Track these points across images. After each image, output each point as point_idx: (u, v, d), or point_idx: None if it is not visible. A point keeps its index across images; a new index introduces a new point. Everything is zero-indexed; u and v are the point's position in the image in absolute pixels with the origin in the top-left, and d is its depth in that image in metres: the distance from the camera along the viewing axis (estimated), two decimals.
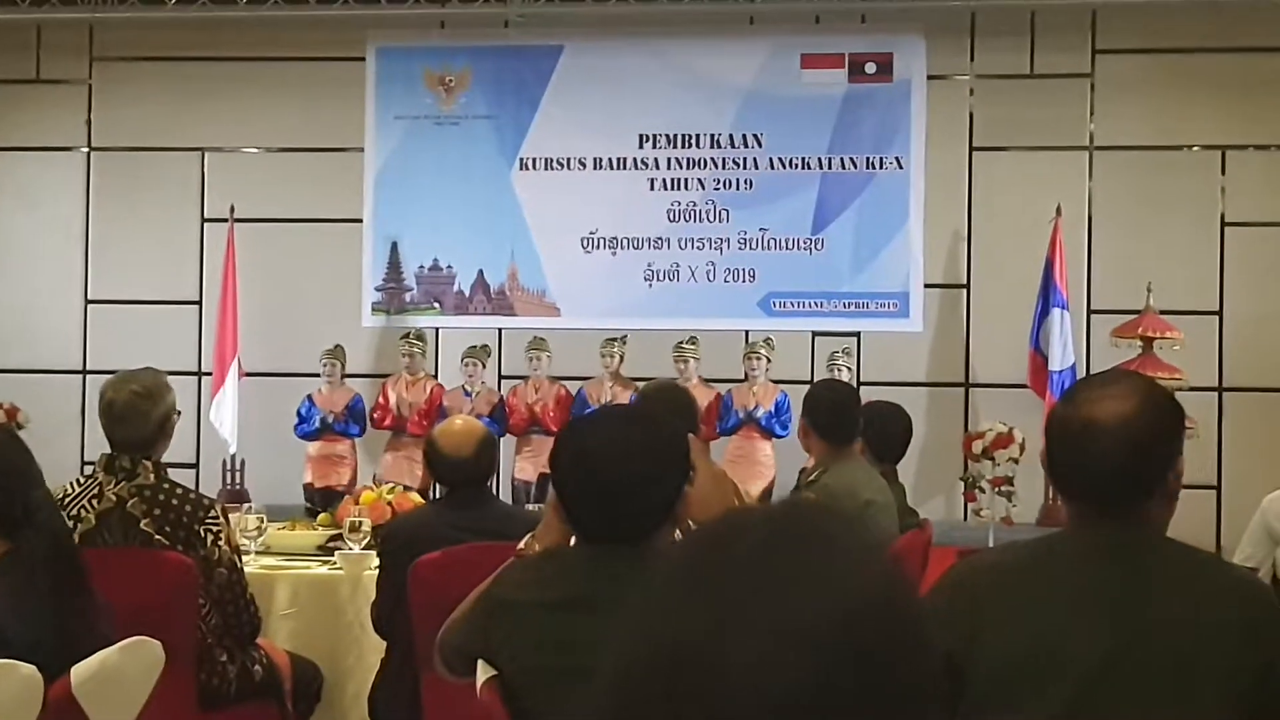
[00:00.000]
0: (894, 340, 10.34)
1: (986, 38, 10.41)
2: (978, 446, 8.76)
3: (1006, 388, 10.03)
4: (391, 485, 6.50)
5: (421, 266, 10.80)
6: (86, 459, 10.16)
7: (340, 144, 10.77)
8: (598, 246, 10.63)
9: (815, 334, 10.40)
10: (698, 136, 10.57)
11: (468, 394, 9.81)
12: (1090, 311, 10.19)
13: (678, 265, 10.57)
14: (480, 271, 10.74)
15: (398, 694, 4.47)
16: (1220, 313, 10.13)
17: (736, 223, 10.52)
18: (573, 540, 2.70)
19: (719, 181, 10.55)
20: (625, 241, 10.61)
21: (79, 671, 2.98)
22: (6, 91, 11.08)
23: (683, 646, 1.08)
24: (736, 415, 9.60)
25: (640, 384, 8.48)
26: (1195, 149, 10.24)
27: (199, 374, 10.58)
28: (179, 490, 4.25)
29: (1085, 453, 2.30)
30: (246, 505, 5.85)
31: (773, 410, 9.61)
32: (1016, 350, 9.92)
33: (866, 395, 5.62)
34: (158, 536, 4.15)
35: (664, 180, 10.59)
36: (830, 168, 10.45)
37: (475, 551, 4.02)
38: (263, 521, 5.62)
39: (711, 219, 10.55)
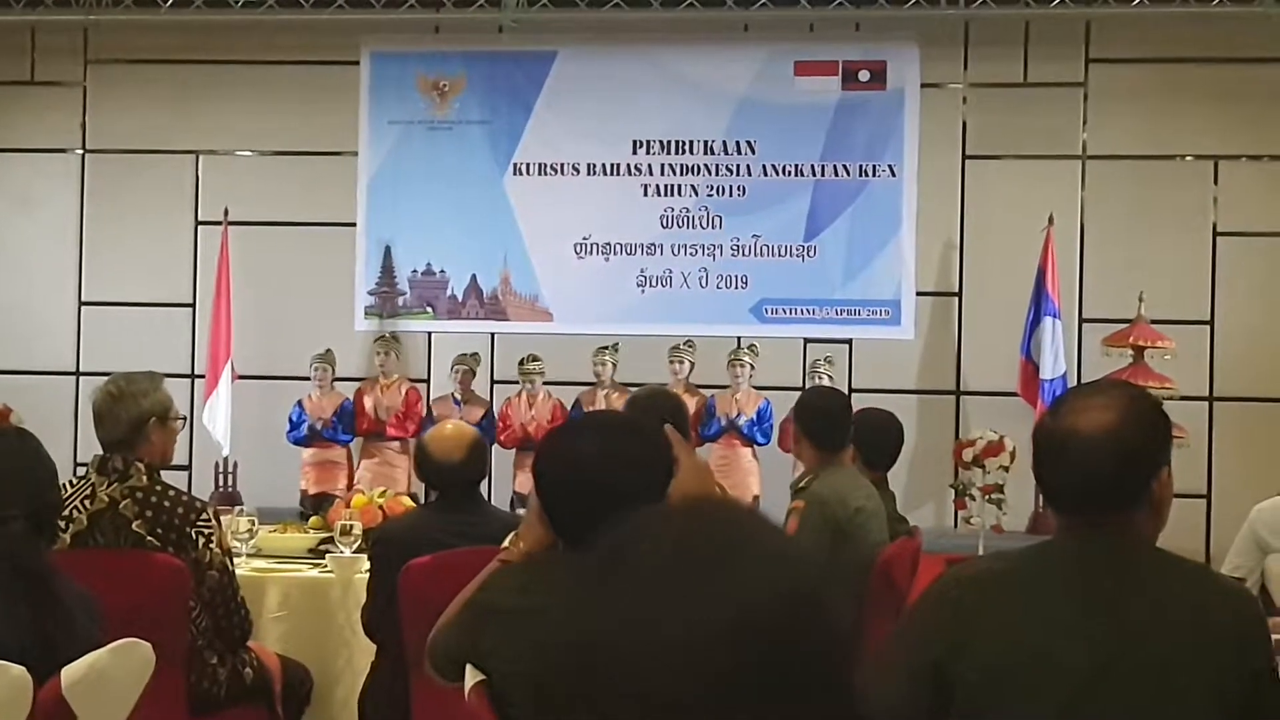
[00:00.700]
0: (885, 347, 10.36)
1: (980, 47, 10.43)
2: (968, 454, 8.77)
3: (997, 396, 10.06)
4: (383, 489, 6.51)
5: (414, 271, 10.81)
6: (79, 460, 10.14)
7: (334, 148, 10.79)
8: (591, 252, 10.64)
9: (807, 341, 10.41)
10: (691, 143, 10.58)
11: (457, 402, 9.79)
12: (1082, 320, 10.21)
13: (670, 271, 10.58)
14: (473, 276, 10.75)
15: (388, 697, 4.47)
16: (1211, 322, 10.16)
17: (729, 229, 10.54)
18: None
19: (712, 188, 10.57)
20: (618, 247, 10.62)
21: (69, 673, 2.97)
22: (1, 93, 11.09)
23: (586, 647, 1.09)
24: (719, 422, 9.58)
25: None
26: (1188, 159, 10.27)
27: (192, 376, 10.58)
28: (171, 492, 4.25)
29: (1069, 462, 2.32)
30: (238, 508, 5.87)
31: (755, 418, 9.60)
32: (1008, 358, 9.94)
33: (857, 402, 5.63)
34: (149, 538, 4.15)
35: (657, 186, 10.61)
36: (823, 175, 10.48)
37: (465, 555, 4.02)
38: (254, 524, 5.63)
39: (704, 225, 10.57)
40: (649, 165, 10.62)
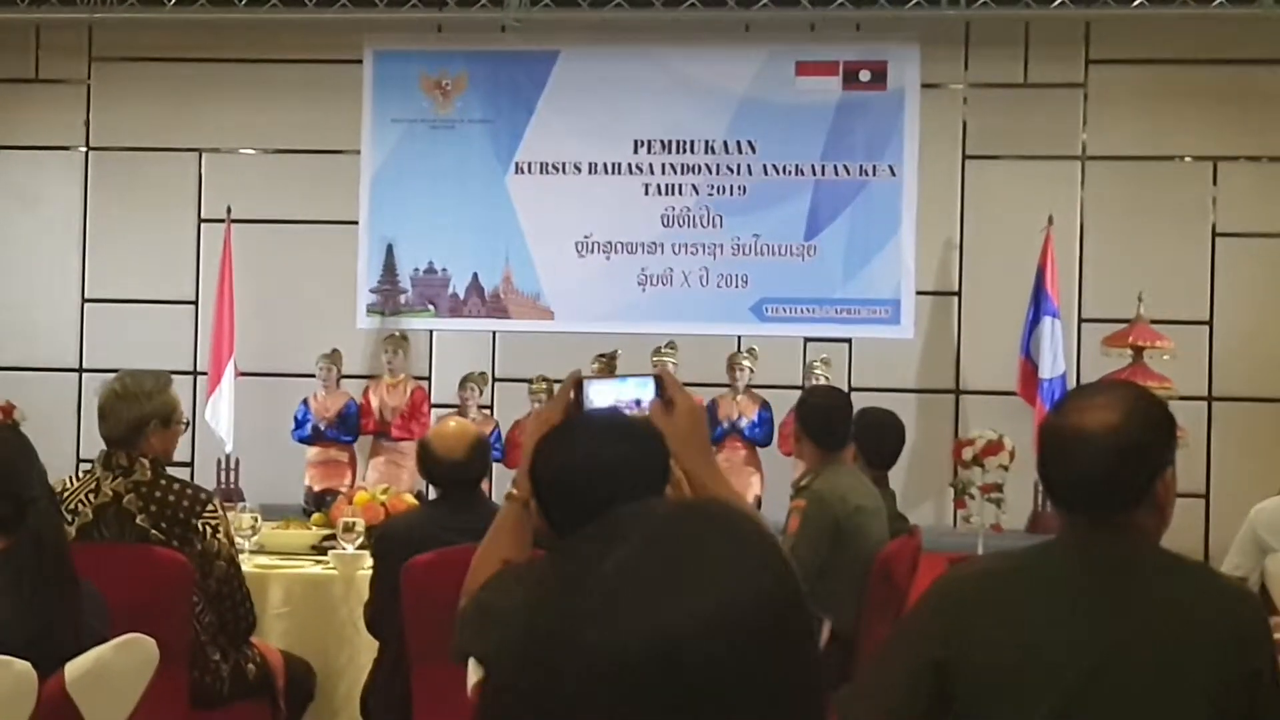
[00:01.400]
0: (885, 347, 10.38)
1: (980, 47, 10.45)
2: (968, 453, 8.77)
3: (997, 395, 10.08)
4: (385, 486, 6.53)
5: (416, 269, 10.83)
6: (82, 456, 10.18)
7: (337, 146, 10.81)
8: (592, 251, 10.66)
9: (807, 340, 10.43)
10: (692, 142, 10.60)
11: None
12: (1081, 320, 10.23)
13: (671, 270, 10.60)
14: (475, 275, 10.78)
15: (390, 693, 4.49)
16: (1211, 322, 10.17)
17: (730, 228, 10.56)
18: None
19: (713, 187, 10.59)
20: (619, 246, 10.64)
21: (73, 668, 2.99)
22: (5, 91, 11.11)
23: (548, 637, 1.09)
24: (721, 427, 9.58)
25: None
26: (1187, 159, 10.29)
27: (195, 373, 10.61)
28: (176, 485, 4.24)
29: (1073, 461, 2.33)
30: (241, 504, 5.88)
31: (755, 420, 9.62)
32: (1007, 358, 9.96)
33: (858, 402, 5.64)
34: (154, 532, 4.17)
35: (658, 185, 10.63)
36: (823, 175, 10.50)
37: (467, 553, 4.03)
38: (257, 521, 5.65)
39: (705, 224, 10.59)
40: (650, 164, 10.63)
